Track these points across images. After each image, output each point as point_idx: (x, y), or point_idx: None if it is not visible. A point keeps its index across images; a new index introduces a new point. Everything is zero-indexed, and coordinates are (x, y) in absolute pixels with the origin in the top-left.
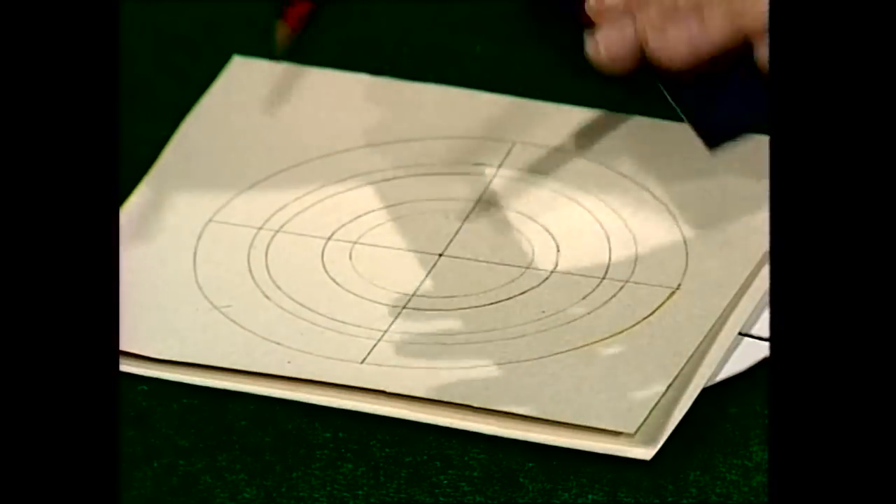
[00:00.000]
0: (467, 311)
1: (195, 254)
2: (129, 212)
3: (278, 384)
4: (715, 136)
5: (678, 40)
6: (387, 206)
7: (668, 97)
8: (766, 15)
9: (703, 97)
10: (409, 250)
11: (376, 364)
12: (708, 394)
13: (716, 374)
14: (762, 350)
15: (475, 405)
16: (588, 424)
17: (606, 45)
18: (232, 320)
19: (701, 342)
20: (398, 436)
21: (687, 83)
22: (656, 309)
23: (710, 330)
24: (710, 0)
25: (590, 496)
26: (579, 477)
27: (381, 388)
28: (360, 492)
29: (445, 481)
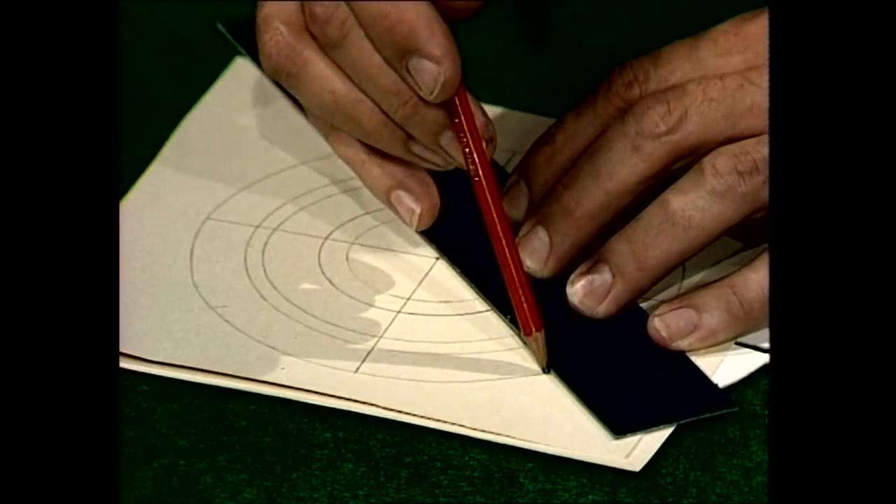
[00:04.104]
0: (462, 317)
1: (192, 251)
2: (128, 208)
3: (273, 388)
4: (622, 421)
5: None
6: (385, 208)
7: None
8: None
9: (613, 380)
10: (406, 253)
11: (370, 374)
12: None
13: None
14: (759, 360)
15: (466, 424)
16: (580, 451)
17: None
18: (227, 321)
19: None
20: (398, 436)
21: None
22: None
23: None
24: None
25: (590, 496)
26: (579, 477)
27: (374, 402)
28: (360, 492)
29: (445, 481)
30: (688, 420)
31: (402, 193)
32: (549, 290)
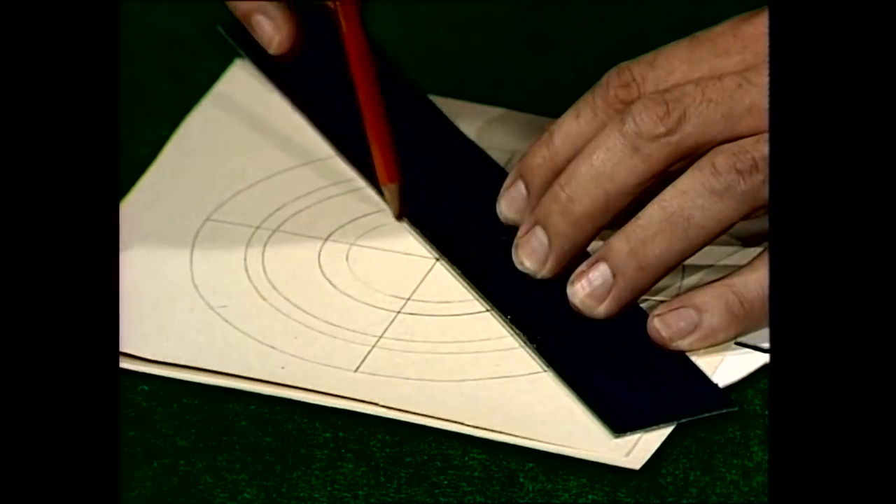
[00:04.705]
0: (462, 317)
1: (192, 252)
2: (128, 209)
3: (273, 388)
4: (622, 420)
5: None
6: (385, 209)
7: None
8: None
9: (613, 379)
10: (406, 253)
11: (370, 373)
12: None
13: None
14: (759, 360)
15: (467, 423)
16: (580, 450)
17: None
18: (227, 321)
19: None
20: (398, 436)
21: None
22: None
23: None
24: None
25: (590, 496)
26: (579, 477)
27: (375, 401)
28: (360, 492)
29: (445, 481)
30: (688, 419)
31: (262, 18)
32: (549, 290)
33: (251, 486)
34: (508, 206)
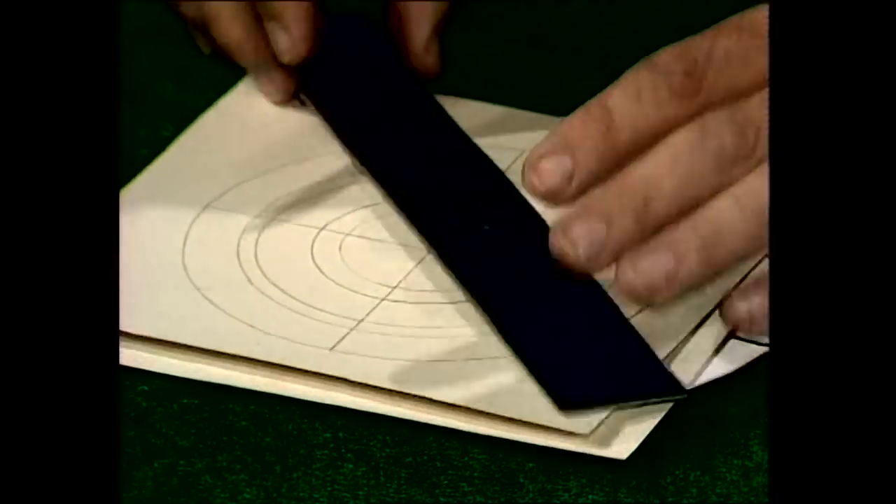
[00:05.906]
0: (444, 305)
1: (186, 236)
2: (128, 196)
3: (244, 366)
4: (567, 394)
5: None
6: (384, 202)
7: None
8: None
9: (565, 356)
10: (398, 245)
11: (344, 352)
12: (707, 394)
13: (698, 374)
14: (752, 352)
15: (434, 398)
16: (541, 423)
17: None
18: (210, 301)
19: (676, 345)
20: (398, 436)
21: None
22: (639, 311)
23: (689, 330)
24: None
25: (590, 496)
26: (579, 477)
27: (344, 377)
28: (360, 492)
29: (445, 481)
30: (637, 403)
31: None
32: (516, 270)
33: (251, 486)
34: (552, 174)
